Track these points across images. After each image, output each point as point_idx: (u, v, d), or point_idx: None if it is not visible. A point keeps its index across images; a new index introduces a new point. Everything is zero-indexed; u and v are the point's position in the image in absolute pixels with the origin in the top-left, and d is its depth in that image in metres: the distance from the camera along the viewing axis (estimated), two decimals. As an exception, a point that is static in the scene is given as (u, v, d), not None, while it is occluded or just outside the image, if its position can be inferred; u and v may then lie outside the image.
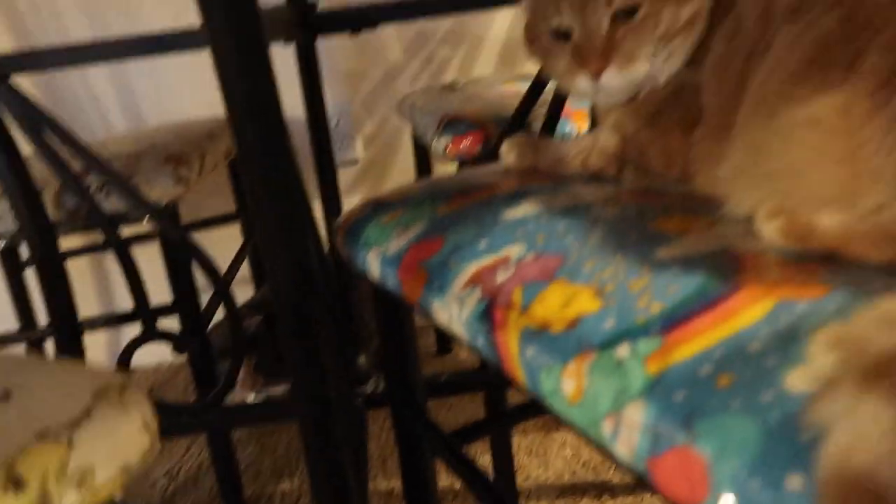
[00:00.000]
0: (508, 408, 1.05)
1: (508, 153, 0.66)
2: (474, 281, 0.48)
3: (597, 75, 0.54)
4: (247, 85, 0.52)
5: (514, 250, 0.49)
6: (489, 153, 0.97)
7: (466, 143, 0.98)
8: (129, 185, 0.92)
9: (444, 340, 1.64)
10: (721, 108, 0.51)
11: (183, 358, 1.58)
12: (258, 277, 1.64)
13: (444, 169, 1.73)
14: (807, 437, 0.27)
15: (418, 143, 1.53)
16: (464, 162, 1.01)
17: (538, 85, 0.93)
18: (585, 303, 0.40)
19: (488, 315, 0.45)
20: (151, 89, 1.68)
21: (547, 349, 0.39)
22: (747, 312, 0.35)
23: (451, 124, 1.00)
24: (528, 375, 0.41)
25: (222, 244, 1.46)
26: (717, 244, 0.44)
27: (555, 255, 0.47)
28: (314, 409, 0.60)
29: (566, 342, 0.39)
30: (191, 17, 0.56)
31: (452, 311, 0.48)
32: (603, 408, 0.35)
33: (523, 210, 0.55)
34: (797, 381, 0.30)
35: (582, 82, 0.55)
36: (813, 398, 0.28)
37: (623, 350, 0.36)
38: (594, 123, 0.86)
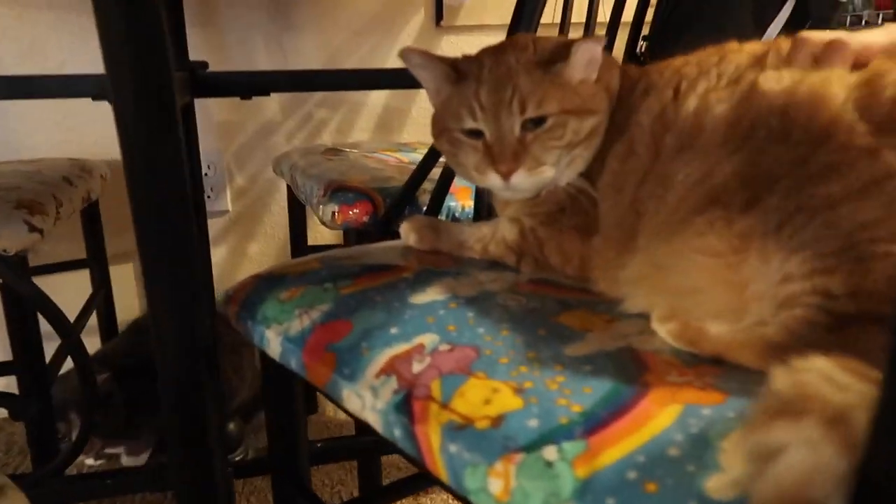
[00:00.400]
0: (392, 480, 1.04)
1: (409, 234, 0.67)
2: (388, 370, 0.48)
3: (507, 175, 0.57)
4: (153, 142, 0.49)
5: (427, 339, 0.49)
6: (377, 223, 0.98)
7: (355, 213, 0.98)
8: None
9: (311, 399, 1.58)
10: (617, 223, 0.56)
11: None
12: (108, 329, 1.51)
13: (318, 228, 1.71)
14: (732, 547, 0.29)
15: (294, 202, 1.50)
16: (349, 230, 1.01)
17: (427, 162, 0.95)
18: (507, 400, 0.42)
19: (406, 406, 0.45)
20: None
21: (472, 447, 0.40)
22: (660, 417, 0.38)
23: (339, 192, 1.00)
24: (451, 471, 0.41)
25: (65, 292, 1.34)
26: (620, 343, 0.47)
27: (469, 346, 0.48)
28: (197, 481, 0.56)
29: (492, 440, 0.39)
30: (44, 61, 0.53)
31: (365, 400, 0.48)
32: (532, 510, 0.36)
33: (430, 296, 0.56)
34: (716, 488, 0.32)
35: (493, 180, 0.58)
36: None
37: (550, 452, 0.37)
38: (479, 205, 0.90)
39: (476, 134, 0.59)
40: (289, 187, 1.47)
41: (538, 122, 0.57)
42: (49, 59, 1.49)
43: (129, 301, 1.65)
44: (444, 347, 0.48)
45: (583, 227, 0.60)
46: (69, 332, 0.83)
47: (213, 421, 0.55)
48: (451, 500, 1.30)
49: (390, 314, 0.53)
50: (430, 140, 1.84)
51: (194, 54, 1.13)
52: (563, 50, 0.58)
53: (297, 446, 0.68)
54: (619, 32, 1.27)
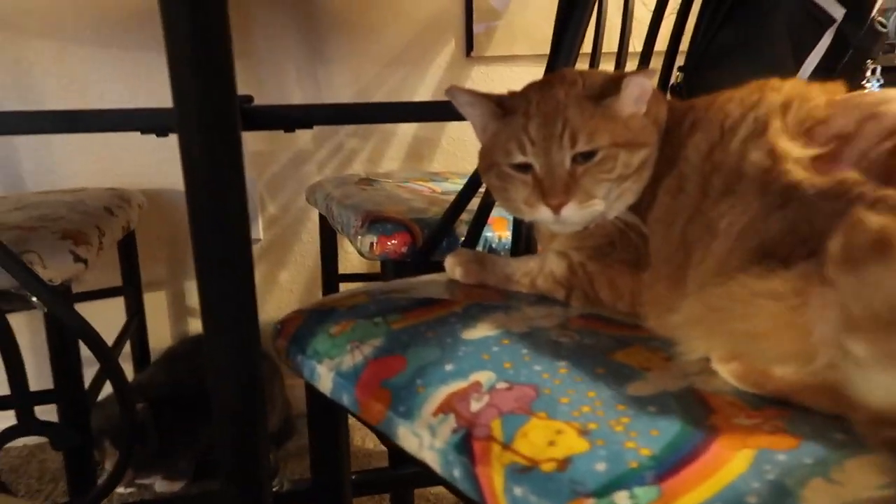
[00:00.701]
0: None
1: (455, 267, 0.67)
2: (446, 408, 0.47)
3: (558, 209, 0.57)
4: (218, 176, 0.49)
5: (484, 376, 0.49)
6: (415, 254, 0.98)
7: (393, 244, 0.98)
8: (22, 262, 0.83)
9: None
10: (668, 259, 0.55)
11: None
12: (140, 357, 1.52)
13: (348, 258, 1.72)
14: None
15: (326, 231, 1.51)
16: (387, 261, 1.01)
17: (466, 193, 0.96)
18: (572, 442, 0.41)
19: (467, 446, 0.44)
20: (30, 150, 1.56)
21: (539, 490, 0.39)
22: (733, 463, 0.37)
23: (377, 223, 1.00)
24: (516, 515, 0.40)
25: (100, 320, 1.35)
26: (682, 383, 0.46)
27: (527, 385, 0.47)
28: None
29: (560, 484, 0.39)
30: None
31: (423, 439, 0.47)
32: (605, 558, 0.35)
33: (481, 331, 0.56)
34: (801, 540, 0.31)
35: (543, 213, 0.58)
36: None
37: (622, 498, 0.36)
38: (517, 236, 0.90)
39: (525, 168, 0.59)
40: (321, 216, 1.48)
41: (588, 155, 0.57)
42: (88, 92, 1.53)
43: (160, 329, 1.67)
44: (501, 385, 0.48)
45: (633, 261, 0.59)
46: (111, 361, 0.84)
47: (263, 452, 0.55)
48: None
49: (444, 350, 0.53)
50: (460, 169, 1.86)
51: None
52: (613, 84, 0.58)
53: (342, 481, 0.68)
54: (653, 62, 1.28)
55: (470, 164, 1.75)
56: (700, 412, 0.42)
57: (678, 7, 1.21)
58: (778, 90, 0.55)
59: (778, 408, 0.43)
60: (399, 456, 1.13)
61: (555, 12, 1.47)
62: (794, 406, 0.43)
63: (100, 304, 1.49)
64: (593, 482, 0.38)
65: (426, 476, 1.13)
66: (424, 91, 1.69)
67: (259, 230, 1.68)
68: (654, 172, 0.59)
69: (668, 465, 0.38)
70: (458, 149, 1.75)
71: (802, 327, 0.44)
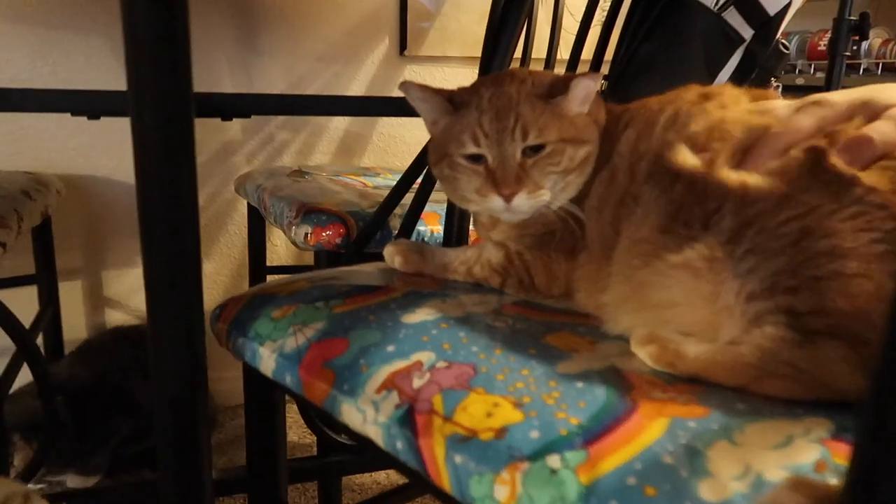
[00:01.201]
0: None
1: (395, 256, 0.69)
2: (389, 385, 0.50)
3: (509, 198, 0.61)
4: (172, 163, 0.50)
5: (424, 356, 0.52)
6: (349, 246, 1.00)
7: (328, 235, 0.99)
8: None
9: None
10: (601, 241, 0.60)
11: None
12: (54, 349, 1.46)
13: (275, 250, 1.71)
14: (729, 542, 0.33)
15: (255, 222, 1.50)
16: (321, 251, 1.02)
17: (401, 187, 0.98)
18: (508, 413, 0.44)
19: (409, 420, 0.47)
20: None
21: (477, 457, 0.42)
22: (651, 429, 0.41)
23: (312, 214, 1.01)
24: (456, 481, 0.43)
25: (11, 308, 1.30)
26: (605, 363, 0.51)
27: (466, 364, 0.50)
28: (188, 500, 0.56)
29: (497, 451, 0.42)
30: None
31: (367, 414, 0.50)
32: (538, 514, 0.38)
33: (420, 316, 0.58)
34: (708, 492, 0.36)
35: (494, 202, 0.61)
36: None
37: (554, 461, 0.40)
38: (449, 230, 0.93)
39: (477, 159, 0.62)
40: (250, 207, 1.47)
41: (537, 148, 0.61)
42: (1, 72, 1.46)
43: (75, 320, 1.61)
44: (441, 364, 0.51)
45: (570, 248, 0.64)
46: (30, 348, 0.81)
47: (205, 440, 0.56)
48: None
49: (385, 333, 0.56)
50: (391, 165, 1.88)
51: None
52: (562, 84, 0.62)
53: (279, 465, 0.69)
54: (579, 69, 1.34)
55: (400, 160, 1.77)
56: (621, 387, 0.47)
57: (604, 19, 1.28)
58: (693, 90, 0.62)
59: (689, 384, 0.48)
60: (327, 445, 1.15)
61: (486, 16, 1.53)
62: (704, 383, 0.48)
63: (11, 293, 1.43)
64: (528, 448, 0.41)
65: (353, 464, 1.15)
66: (357, 87, 1.71)
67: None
68: (594, 167, 0.64)
69: (595, 433, 0.42)
70: (389, 145, 1.78)
71: (712, 296, 0.50)
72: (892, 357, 0.25)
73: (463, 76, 1.77)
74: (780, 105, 0.56)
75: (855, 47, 1.34)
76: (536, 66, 1.46)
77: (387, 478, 1.46)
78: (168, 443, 0.55)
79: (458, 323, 0.57)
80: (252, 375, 0.65)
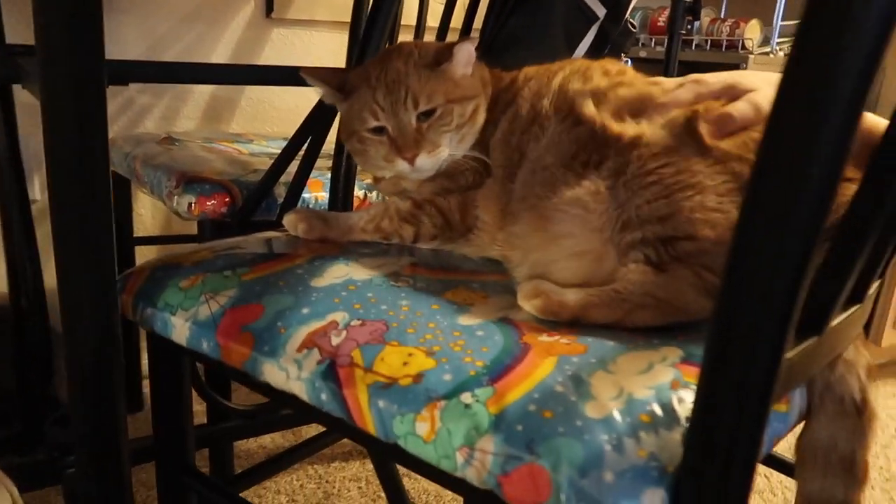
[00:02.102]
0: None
1: (298, 224, 0.73)
2: (309, 344, 0.54)
3: (412, 160, 0.69)
4: (84, 132, 0.50)
5: (339, 316, 0.57)
6: (235, 215, 1.00)
7: (212, 204, 0.99)
8: None
9: (134, 397, 1.52)
10: (507, 163, 0.70)
11: None
12: None
13: (140, 220, 1.65)
14: (613, 448, 0.42)
15: (120, 191, 1.44)
16: (205, 221, 1.02)
17: (286, 155, 1.00)
18: (422, 361, 0.51)
19: (332, 374, 0.52)
20: None
21: (399, 400, 0.48)
22: (543, 366, 0.49)
23: (194, 183, 1.00)
24: (380, 423, 0.49)
25: None
26: (499, 314, 0.58)
27: (377, 321, 0.56)
28: (105, 470, 0.57)
29: (416, 393, 0.48)
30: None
31: (289, 371, 0.54)
32: (456, 442, 0.45)
33: (328, 280, 0.63)
34: (592, 411, 0.45)
35: (400, 165, 0.69)
36: None
37: (466, 397, 0.47)
38: (334, 196, 0.97)
39: (380, 131, 0.70)
40: (115, 175, 1.41)
41: (429, 113, 0.69)
42: None
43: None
44: (355, 323, 0.56)
45: (479, 185, 0.73)
46: None
47: (120, 409, 0.57)
48: (306, 483, 1.36)
49: (297, 297, 0.60)
50: (260, 130, 1.85)
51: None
52: (445, 51, 0.70)
53: (186, 432, 0.71)
54: (449, 37, 1.40)
55: (270, 125, 1.75)
56: (514, 334, 0.54)
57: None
58: (580, 61, 0.74)
59: (569, 328, 0.56)
60: (217, 413, 1.16)
61: (356, -19, 1.54)
62: (583, 326, 0.57)
63: None
64: (443, 389, 0.48)
65: (245, 429, 1.17)
66: (223, 50, 1.66)
67: (35, 191, 1.54)
68: (495, 114, 0.73)
69: (498, 371, 0.49)
70: (258, 110, 1.75)
71: (599, 228, 0.60)
72: (735, 278, 0.34)
73: (331, 40, 1.77)
74: (666, 80, 0.69)
75: (689, 26, 1.50)
76: (406, 35, 1.51)
77: (272, 442, 1.49)
78: (84, 415, 0.56)
79: (364, 285, 0.62)
80: (159, 345, 0.66)
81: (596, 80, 0.69)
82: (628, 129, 0.63)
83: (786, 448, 0.64)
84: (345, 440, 1.34)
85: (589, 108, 0.66)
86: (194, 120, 1.68)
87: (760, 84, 0.62)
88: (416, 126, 0.69)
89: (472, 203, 0.72)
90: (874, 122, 0.63)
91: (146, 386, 1.53)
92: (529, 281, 0.60)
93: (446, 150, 0.70)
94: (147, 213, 1.69)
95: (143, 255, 1.64)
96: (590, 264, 0.61)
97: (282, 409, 1.19)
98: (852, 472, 0.54)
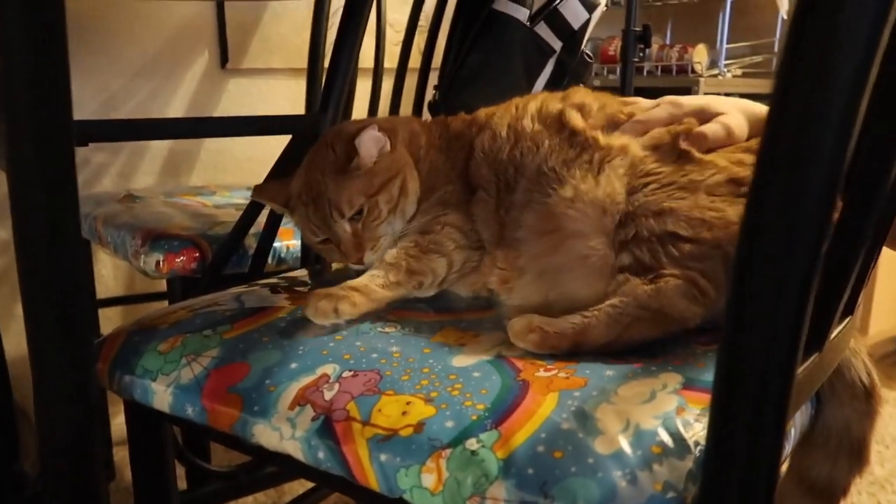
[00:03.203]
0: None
1: (330, 313, 0.62)
2: (301, 400, 0.52)
3: (360, 262, 0.70)
4: (52, 191, 0.48)
5: (329, 369, 0.55)
6: (206, 270, 0.98)
7: (182, 261, 0.96)
8: None
9: (108, 465, 1.46)
10: (497, 182, 0.71)
11: None
12: None
13: (101, 280, 1.60)
14: (628, 483, 0.41)
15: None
16: (175, 278, 0.99)
17: (255, 207, 0.98)
18: (421, 409, 0.49)
19: (328, 430, 0.50)
20: None
21: (402, 452, 0.47)
22: (546, 403, 0.48)
23: (161, 240, 0.98)
24: (383, 477, 0.47)
25: None
26: (493, 352, 0.57)
27: (370, 370, 0.54)
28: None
29: (419, 444, 0.47)
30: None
31: (283, 431, 0.52)
32: (465, 492, 0.44)
33: (313, 331, 0.61)
34: (602, 446, 0.44)
35: (355, 266, 0.71)
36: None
37: (472, 443, 0.46)
38: (305, 245, 0.96)
39: (326, 240, 0.72)
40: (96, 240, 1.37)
41: (358, 213, 0.69)
42: None
43: None
44: (347, 374, 0.54)
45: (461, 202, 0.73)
46: None
47: (102, 485, 0.54)
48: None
49: (284, 352, 0.58)
50: (222, 181, 1.83)
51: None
52: (351, 147, 0.70)
53: (170, 501, 0.68)
54: (407, 79, 1.41)
55: (231, 175, 1.73)
56: (511, 371, 0.53)
57: (427, 32, 1.36)
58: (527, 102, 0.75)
59: (565, 361, 0.55)
60: (197, 476, 1.11)
61: (308, 26, 1.55)
62: (577, 358, 0.56)
63: None
64: (446, 436, 0.46)
65: (228, 491, 1.13)
66: (178, 103, 1.64)
67: (-12, 258, 1.49)
68: (454, 149, 0.75)
69: (500, 413, 0.48)
70: (218, 161, 1.73)
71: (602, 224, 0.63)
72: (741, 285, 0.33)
73: (288, 87, 1.76)
74: (642, 100, 0.72)
75: (641, 54, 1.55)
76: (364, 76, 1.52)
77: (254, 501, 1.44)
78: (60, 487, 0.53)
79: (351, 333, 0.61)
80: (138, 413, 0.63)
81: (576, 99, 0.71)
82: (614, 140, 0.66)
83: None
84: (333, 495, 1.30)
85: (577, 120, 0.68)
86: (153, 175, 1.65)
87: (729, 108, 0.65)
88: (352, 230, 0.70)
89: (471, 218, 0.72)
90: None
91: (118, 453, 1.48)
92: (520, 318, 0.59)
93: (389, 238, 0.71)
94: (108, 274, 1.64)
95: (108, 317, 1.59)
96: (598, 270, 0.61)
97: (265, 466, 1.15)
98: (860, 454, 0.57)
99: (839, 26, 0.28)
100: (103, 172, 1.60)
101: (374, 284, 0.65)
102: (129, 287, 1.66)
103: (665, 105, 0.68)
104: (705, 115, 0.65)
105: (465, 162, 0.73)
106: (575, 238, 0.63)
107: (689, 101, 0.68)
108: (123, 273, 1.65)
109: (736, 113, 0.65)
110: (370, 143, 0.71)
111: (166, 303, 1.56)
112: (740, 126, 0.64)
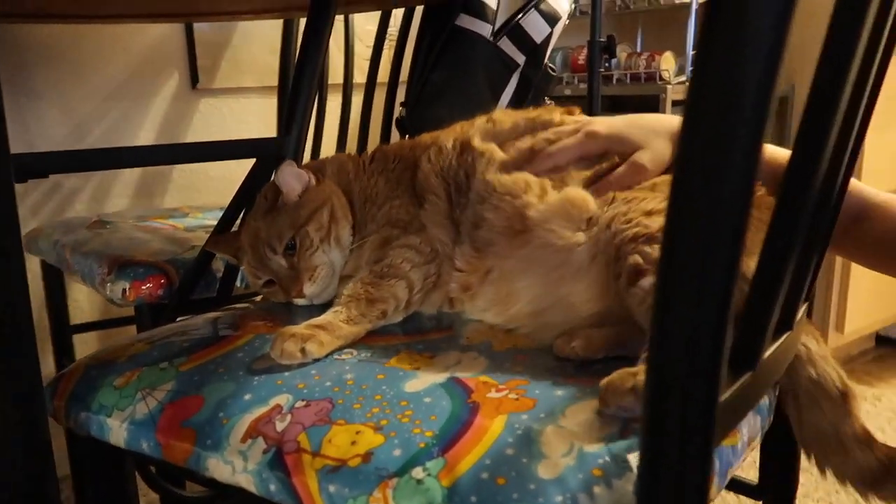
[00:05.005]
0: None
1: (296, 350, 0.60)
2: (253, 433, 0.53)
3: (300, 294, 0.71)
4: None
5: (282, 399, 0.55)
6: (173, 296, 0.98)
7: (148, 288, 0.96)
8: None
9: None
10: (447, 189, 0.73)
11: None
12: None
13: (75, 306, 1.60)
14: (566, 508, 0.41)
15: (52, 282, 1.39)
16: (142, 305, 0.99)
17: (221, 229, 0.98)
18: (370, 438, 0.49)
19: (279, 462, 0.50)
20: None
21: (349, 483, 0.47)
22: (493, 428, 0.49)
23: (127, 268, 0.98)
24: (332, 509, 0.47)
25: None
26: (446, 374, 0.58)
27: (322, 400, 0.55)
28: None
29: (367, 474, 0.47)
30: None
31: (235, 465, 0.52)
32: (411, 521, 0.44)
33: (268, 360, 0.61)
34: (545, 471, 0.44)
35: (298, 301, 0.72)
36: None
37: (418, 472, 0.46)
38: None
39: (269, 283, 0.74)
40: (45, 266, 1.36)
41: (290, 247, 0.71)
42: None
43: None
44: (300, 404, 0.54)
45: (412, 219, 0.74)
46: None
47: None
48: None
49: (238, 383, 0.58)
50: (197, 202, 1.82)
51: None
52: (275, 187, 0.74)
53: (134, 532, 0.68)
54: (377, 93, 1.42)
55: (206, 196, 1.73)
56: (462, 394, 0.54)
57: (394, 46, 1.37)
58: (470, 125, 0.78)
59: (519, 379, 0.56)
60: (171, 502, 1.11)
61: (278, 45, 1.55)
62: (529, 376, 0.56)
63: None
64: (393, 466, 0.47)
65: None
66: (150, 126, 1.64)
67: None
68: (401, 174, 0.76)
69: (447, 440, 0.48)
70: (192, 181, 1.72)
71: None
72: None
73: (260, 106, 1.77)
74: (570, 120, 0.74)
75: (607, 64, 1.56)
76: (334, 92, 1.52)
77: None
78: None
79: (307, 361, 0.61)
80: (97, 449, 0.63)
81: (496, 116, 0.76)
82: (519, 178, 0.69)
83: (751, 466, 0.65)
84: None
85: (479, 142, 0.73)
86: (126, 198, 1.65)
87: (646, 139, 0.66)
88: (288, 263, 0.72)
89: (423, 227, 0.73)
90: (773, 152, 0.66)
91: (64, 489, 1.44)
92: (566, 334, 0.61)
93: (325, 265, 0.72)
94: (84, 299, 1.63)
95: (84, 342, 1.58)
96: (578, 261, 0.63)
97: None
98: (865, 440, 0.59)
99: (743, 42, 0.29)
100: (75, 197, 1.59)
101: (338, 321, 0.64)
102: (104, 312, 1.65)
103: (581, 135, 0.70)
104: (622, 149, 0.67)
105: (410, 177, 0.75)
106: (540, 230, 0.65)
107: (607, 129, 0.69)
108: (98, 298, 1.64)
109: (656, 141, 0.66)
110: (291, 179, 0.74)
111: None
112: (654, 159, 0.67)
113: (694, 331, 0.33)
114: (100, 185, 1.62)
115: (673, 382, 0.34)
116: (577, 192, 0.66)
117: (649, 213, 0.60)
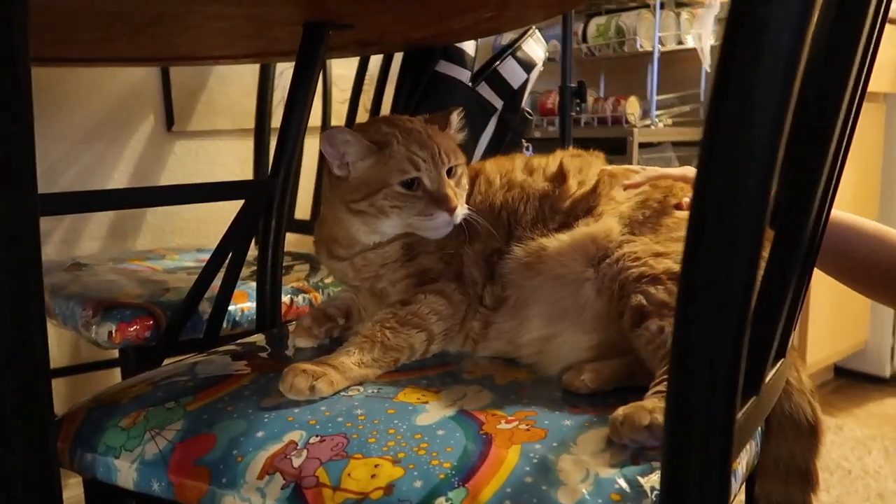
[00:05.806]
0: None
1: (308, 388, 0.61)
2: (269, 469, 0.53)
3: (453, 211, 0.70)
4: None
5: (296, 435, 0.56)
6: (160, 338, 0.97)
7: (135, 330, 0.96)
8: None
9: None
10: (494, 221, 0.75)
11: None
12: None
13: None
14: (591, 531, 0.43)
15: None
16: (128, 348, 0.98)
17: (210, 270, 0.99)
18: (390, 471, 0.50)
19: (299, 497, 0.51)
20: None
21: (373, 515, 0.48)
22: (509, 457, 0.50)
23: (113, 310, 0.97)
24: (356, 542, 0.48)
25: None
26: (455, 407, 0.59)
27: (337, 435, 0.55)
28: None
29: (390, 506, 0.48)
30: None
31: (253, 502, 0.52)
32: (438, 551, 0.45)
33: (277, 398, 0.62)
34: (565, 497, 0.46)
35: (440, 218, 0.70)
36: None
37: (441, 502, 0.47)
38: (261, 308, 0.96)
39: (412, 185, 0.70)
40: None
41: (451, 170, 0.72)
42: None
43: None
44: (314, 440, 0.55)
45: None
46: None
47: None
48: None
49: (249, 420, 0.58)
50: (171, 244, 1.80)
51: None
52: (442, 119, 0.76)
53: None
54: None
55: (180, 237, 1.72)
56: (473, 426, 0.55)
57: (373, 92, 1.40)
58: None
59: (526, 410, 0.58)
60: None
61: (253, 88, 1.57)
62: (537, 407, 0.58)
63: None
64: (416, 497, 0.48)
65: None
66: (124, 168, 1.63)
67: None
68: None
69: (467, 470, 0.50)
70: (166, 222, 1.71)
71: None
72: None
73: (236, 148, 1.78)
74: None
75: (578, 108, 1.63)
76: (311, 135, 1.55)
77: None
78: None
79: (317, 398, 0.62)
80: (100, 491, 0.62)
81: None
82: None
83: (737, 500, 0.67)
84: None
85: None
86: (99, 240, 1.63)
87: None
88: (448, 181, 0.71)
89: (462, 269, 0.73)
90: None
91: None
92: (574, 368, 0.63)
93: (465, 211, 0.72)
94: (52, 343, 1.59)
95: (54, 387, 1.53)
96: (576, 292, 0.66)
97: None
98: (808, 478, 0.64)
99: (757, 83, 0.32)
100: (46, 239, 1.56)
101: (350, 362, 0.64)
102: (74, 356, 1.61)
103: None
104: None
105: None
106: (554, 263, 0.67)
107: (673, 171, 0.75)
108: (67, 342, 1.61)
109: None
110: (456, 122, 0.79)
111: (117, 370, 1.52)
112: None
113: (714, 352, 0.36)
114: (72, 227, 1.60)
115: (695, 415, 0.36)
116: (604, 224, 0.69)
117: (657, 255, 0.63)
